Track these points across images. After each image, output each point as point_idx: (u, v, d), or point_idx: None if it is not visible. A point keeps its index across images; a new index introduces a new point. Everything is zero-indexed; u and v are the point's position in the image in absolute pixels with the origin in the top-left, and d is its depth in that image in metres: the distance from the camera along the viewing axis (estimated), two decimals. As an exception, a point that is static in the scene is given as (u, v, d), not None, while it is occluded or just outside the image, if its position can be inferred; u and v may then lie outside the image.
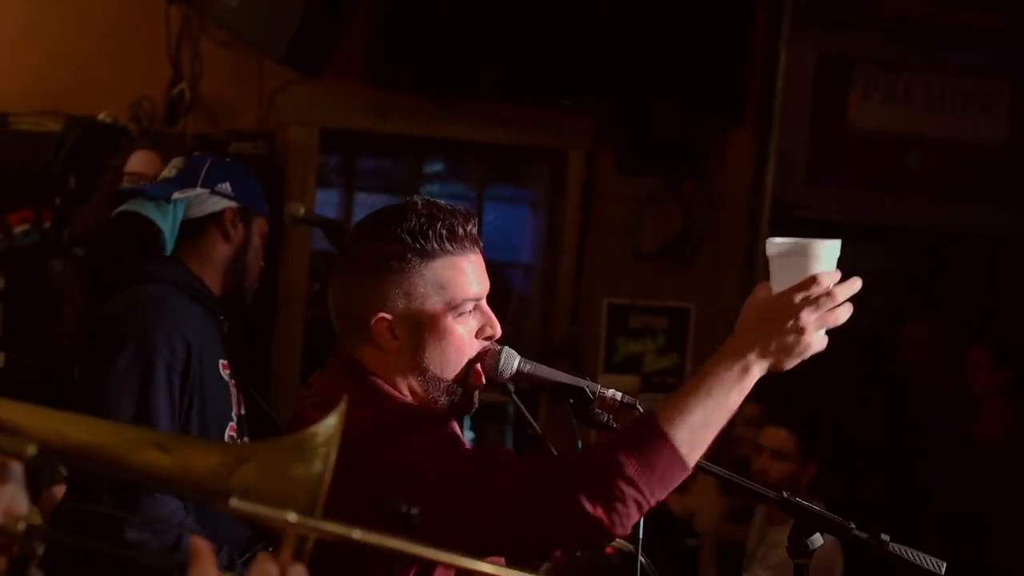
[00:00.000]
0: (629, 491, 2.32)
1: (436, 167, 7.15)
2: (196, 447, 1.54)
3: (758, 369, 2.40)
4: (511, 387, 3.32)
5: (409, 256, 2.59)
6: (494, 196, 7.08)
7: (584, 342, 6.76)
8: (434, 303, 2.61)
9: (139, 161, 4.80)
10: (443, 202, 2.67)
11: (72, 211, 5.47)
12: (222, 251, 3.77)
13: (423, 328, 2.61)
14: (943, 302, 7.68)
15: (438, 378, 2.63)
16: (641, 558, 2.73)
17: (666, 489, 2.36)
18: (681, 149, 6.64)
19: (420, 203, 2.63)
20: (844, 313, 2.45)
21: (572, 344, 6.65)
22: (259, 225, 3.86)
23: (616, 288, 6.84)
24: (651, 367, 6.88)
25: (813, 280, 2.42)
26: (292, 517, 1.42)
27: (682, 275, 6.90)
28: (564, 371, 2.79)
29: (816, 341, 2.43)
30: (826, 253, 2.47)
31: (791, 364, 2.42)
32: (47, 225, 5.70)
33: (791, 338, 2.41)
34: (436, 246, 2.60)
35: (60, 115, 5.68)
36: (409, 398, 2.62)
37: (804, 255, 2.44)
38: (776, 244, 2.48)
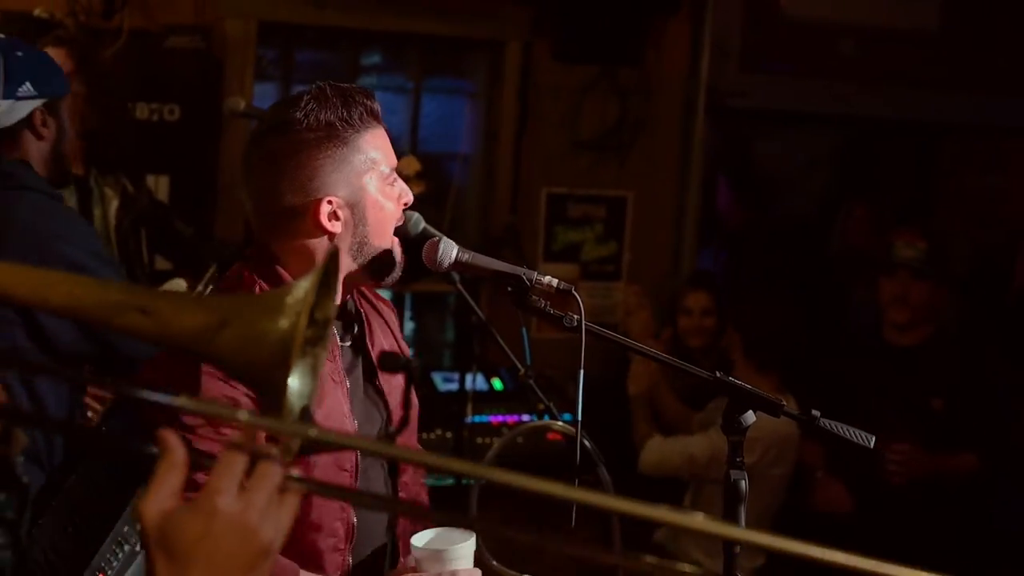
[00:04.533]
0: None
1: (374, 59, 7.14)
2: (178, 308, 1.53)
3: None
4: (455, 276, 3.42)
5: (342, 136, 2.73)
6: (432, 87, 7.08)
7: (523, 232, 6.82)
8: (370, 177, 2.76)
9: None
10: (336, 84, 2.79)
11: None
12: (40, 147, 3.79)
13: (364, 203, 2.76)
14: (875, 188, 7.81)
15: (375, 249, 2.80)
16: (585, 441, 2.82)
17: None
18: (618, 38, 6.67)
19: (323, 87, 2.76)
20: None
21: (512, 234, 6.72)
22: (66, 106, 3.86)
23: (554, 178, 6.90)
24: (590, 255, 6.97)
25: None
26: (243, 416, 1.44)
27: (619, 164, 6.96)
28: (505, 261, 2.88)
29: None
30: (463, 553, 2.70)
31: None
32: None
33: None
34: (360, 122, 2.75)
35: (-5, 11, 5.63)
36: None
37: (443, 560, 2.67)
38: (417, 549, 2.71)
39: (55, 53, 4.74)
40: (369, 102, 2.77)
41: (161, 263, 5.08)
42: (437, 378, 5.99)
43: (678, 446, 5.18)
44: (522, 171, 6.84)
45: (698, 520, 1.43)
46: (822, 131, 7.88)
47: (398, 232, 2.90)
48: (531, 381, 3.49)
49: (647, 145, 6.97)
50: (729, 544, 2.61)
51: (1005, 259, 7.56)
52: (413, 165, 4.91)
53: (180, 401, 1.45)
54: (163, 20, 5.97)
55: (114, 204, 4.88)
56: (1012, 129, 7.66)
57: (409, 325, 7.07)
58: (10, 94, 3.66)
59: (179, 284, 4.81)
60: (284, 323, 1.46)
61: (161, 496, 1.42)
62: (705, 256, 7.15)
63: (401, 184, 2.86)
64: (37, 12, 5.62)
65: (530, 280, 2.78)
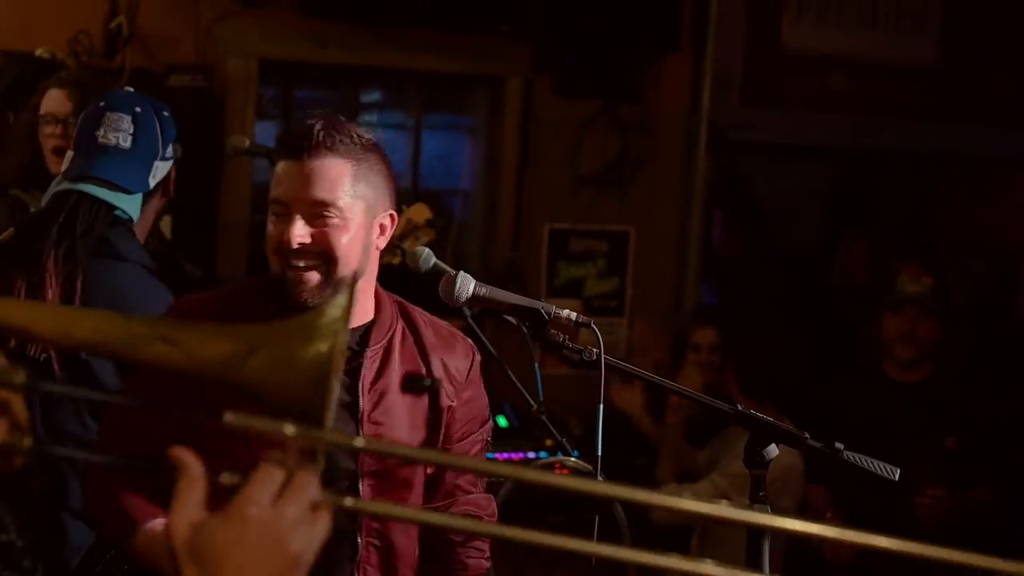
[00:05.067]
0: None
1: (374, 96, 7.14)
2: (203, 337, 1.53)
3: None
4: (467, 311, 3.39)
5: (273, 160, 2.87)
6: (432, 124, 7.07)
7: (526, 267, 6.80)
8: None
9: (52, 101, 4.70)
10: (323, 114, 2.84)
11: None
12: (159, 205, 3.82)
13: None
14: (875, 220, 7.80)
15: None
16: (600, 478, 2.79)
17: None
18: (618, 73, 6.68)
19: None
20: None
21: (514, 270, 6.70)
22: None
23: (556, 213, 6.88)
24: (592, 291, 6.94)
25: None
26: (290, 430, 1.44)
27: (621, 198, 6.95)
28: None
29: None
30: None
31: None
32: (-15, 163, 5.65)
33: None
34: (277, 150, 2.86)
35: (-4, 51, 5.63)
36: None
37: None
38: None
39: (57, 94, 4.72)
40: (302, 130, 2.82)
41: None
42: (442, 415, 5.94)
43: (685, 495, 5.11)
44: (524, 207, 6.83)
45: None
46: (822, 163, 7.88)
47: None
48: (543, 416, 3.48)
49: (648, 179, 6.96)
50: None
51: (1004, 289, 7.56)
52: (424, 212, 4.87)
53: (228, 417, 1.46)
54: (165, 59, 5.97)
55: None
56: (1011, 160, 7.67)
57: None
58: (165, 154, 3.68)
59: None
60: (322, 346, 1.46)
61: (187, 509, 1.43)
62: (704, 289, 7.13)
63: (288, 223, 2.79)
64: (39, 52, 5.62)
65: (548, 314, 2.76)
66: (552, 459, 4.10)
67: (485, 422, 3.10)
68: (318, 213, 2.74)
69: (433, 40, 6.43)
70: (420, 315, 2.98)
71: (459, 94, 7.07)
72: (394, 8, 6.20)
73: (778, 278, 7.02)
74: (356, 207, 2.76)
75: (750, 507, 2.63)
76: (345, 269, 2.76)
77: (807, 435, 2.63)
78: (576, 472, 3.92)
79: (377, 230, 2.84)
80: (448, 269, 2.95)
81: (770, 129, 7.13)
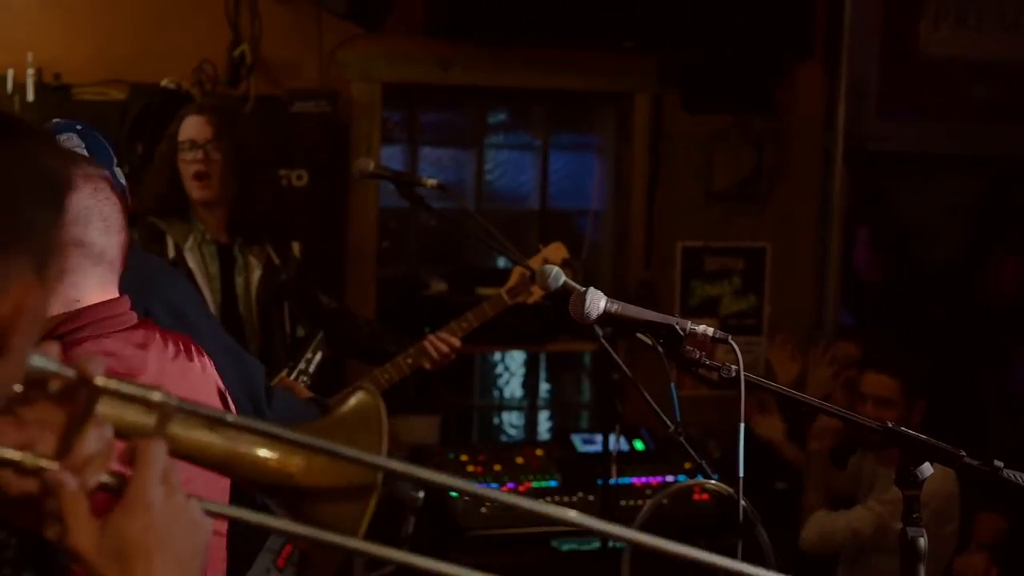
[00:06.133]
0: None
1: (500, 117, 7.07)
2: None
3: None
4: (599, 331, 3.26)
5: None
6: (559, 144, 6.99)
7: (659, 287, 6.67)
8: None
9: (191, 128, 4.80)
10: None
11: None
12: None
13: None
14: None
15: None
16: (743, 502, 2.65)
17: None
18: (750, 85, 6.50)
19: None
20: None
21: (647, 290, 6.56)
22: None
23: (689, 231, 6.74)
24: (728, 309, 6.78)
25: None
26: (156, 396, 1.46)
27: (756, 214, 6.78)
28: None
29: None
30: None
31: None
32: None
33: None
34: None
35: (124, 83, 5.65)
36: None
37: None
38: None
39: (196, 121, 4.77)
40: None
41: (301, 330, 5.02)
42: (576, 439, 5.82)
43: (841, 522, 4.93)
44: (655, 225, 6.69)
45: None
46: (964, 175, 7.60)
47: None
48: (681, 438, 3.33)
49: (784, 193, 6.79)
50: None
51: None
52: (560, 252, 4.79)
53: (101, 382, 1.43)
54: (288, 85, 5.95)
55: (257, 273, 4.86)
56: None
57: (544, 386, 6.94)
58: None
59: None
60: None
61: (81, 523, 1.41)
62: (844, 315, 6.92)
63: None
64: (164, 83, 5.65)
65: (683, 330, 2.61)
66: (691, 482, 3.96)
67: None
68: None
69: (558, 58, 6.33)
70: None
71: (586, 112, 6.97)
72: (517, 27, 6.10)
73: (924, 295, 6.78)
74: None
75: (904, 530, 2.47)
76: None
77: (963, 452, 2.46)
78: (717, 496, 3.78)
79: None
80: (577, 287, 2.82)
81: (909, 140, 6.90)
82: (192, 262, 4.76)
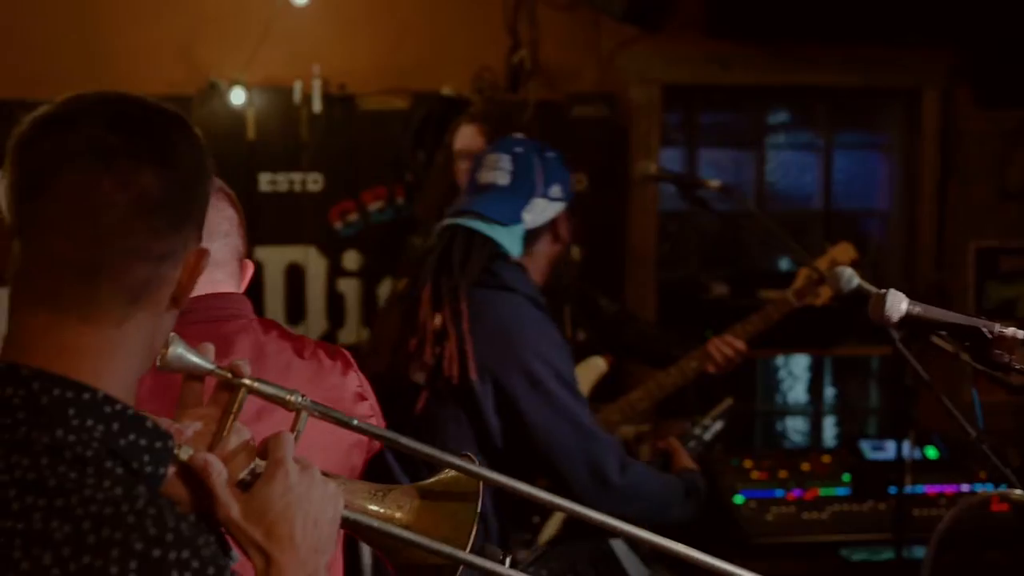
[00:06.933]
0: None
1: (781, 116, 6.93)
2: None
3: None
4: (895, 334, 3.13)
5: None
6: (843, 143, 6.80)
7: (951, 289, 6.43)
8: None
9: (464, 137, 4.83)
10: None
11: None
12: (552, 251, 3.81)
13: None
14: None
15: None
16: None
17: None
18: (1048, 78, 6.21)
19: None
20: None
21: (939, 292, 6.33)
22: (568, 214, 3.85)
23: (983, 231, 6.48)
24: (1029, 312, 6.51)
25: None
26: (293, 397, 1.68)
27: (1055, 212, 6.49)
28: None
29: None
30: None
31: None
32: (400, 201, 5.80)
33: None
34: None
35: (406, 92, 5.75)
36: None
37: None
38: None
39: (468, 130, 4.81)
40: None
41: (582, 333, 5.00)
42: (865, 446, 5.64)
43: None
44: (946, 226, 6.45)
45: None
46: None
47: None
48: (985, 446, 3.18)
49: (1085, 190, 6.46)
50: None
51: None
52: (849, 253, 4.65)
53: (247, 382, 1.63)
54: (567, 90, 5.95)
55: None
56: None
57: (830, 391, 6.77)
58: (544, 193, 3.68)
59: (597, 364, 4.72)
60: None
61: (226, 498, 1.57)
62: None
63: None
64: (444, 91, 5.72)
65: (990, 332, 2.48)
66: (993, 492, 3.77)
67: None
68: None
69: (840, 54, 6.17)
70: None
71: (870, 110, 6.76)
72: (798, 24, 5.95)
73: None
74: None
75: None
76: None
77: None
78: (1017, 507, 3.59)
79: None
80: (872, 289, 2.73)
81: None
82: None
